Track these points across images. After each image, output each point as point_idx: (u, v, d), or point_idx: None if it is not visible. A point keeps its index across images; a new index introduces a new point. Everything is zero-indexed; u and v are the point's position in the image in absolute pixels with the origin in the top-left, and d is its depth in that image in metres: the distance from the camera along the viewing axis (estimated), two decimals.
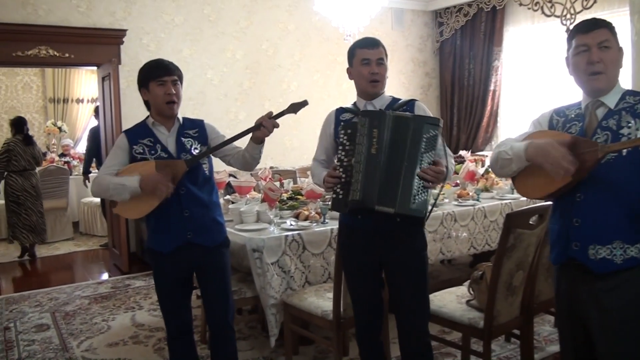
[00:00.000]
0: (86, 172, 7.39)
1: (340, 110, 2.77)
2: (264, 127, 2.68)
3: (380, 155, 2.43)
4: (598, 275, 2.05)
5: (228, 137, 2.83)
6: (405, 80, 8.55)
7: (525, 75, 7.66)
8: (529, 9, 7.22)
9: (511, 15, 7.82)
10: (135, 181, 2.62)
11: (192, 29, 6.82)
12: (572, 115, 2.16)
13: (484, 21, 8.05)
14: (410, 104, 2.70)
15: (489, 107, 8.04)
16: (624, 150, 1.97)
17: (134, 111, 5.96)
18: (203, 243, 2.76)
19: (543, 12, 7.03)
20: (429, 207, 2.47)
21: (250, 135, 2.76)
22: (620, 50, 2.09)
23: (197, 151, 2.77)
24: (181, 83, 2.78)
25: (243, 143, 2.76)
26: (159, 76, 2.69)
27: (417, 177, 2.40)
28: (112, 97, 5.96)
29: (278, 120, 2.75)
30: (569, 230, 2.11)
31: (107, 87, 6.16)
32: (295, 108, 2.73)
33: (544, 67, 7.27)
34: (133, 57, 6.36)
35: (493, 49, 7.95)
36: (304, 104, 2.72)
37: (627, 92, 2.08)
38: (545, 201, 2.53)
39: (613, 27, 2.09)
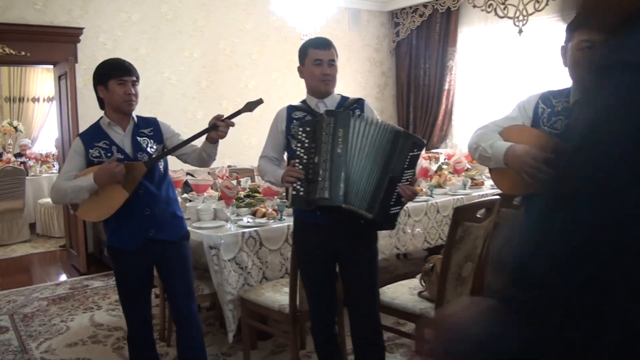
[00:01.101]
0: None
1: (292, 108, 2.84)
2: (219, 128, 2.76)
3: (347, 155, 2.51)
4: None
5: (183, 135, 2.91)
6: (362, 79, 8.67)
7: (478, 74, 7.86)
8: (482, 10, 7.42)
9: (465, 17, 8.01)
10: (89, 179, 2.69)
11: (150, 27, 6.80)
12: (559, 108, 2.14)
13: (439, 22, 8.22)
14: (359, 102, 2.81)
15: (443, 106, 8.22)
16: None
17: (91, 110, 5.89)
18: (165, 238, 2.86)
19: (496, 14, 7.23)
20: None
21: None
22: None
23: (152, 149, 2.85)
24: (138, 83, 2.85)
25: (199, 141, 2.84)
26: (120, 76, 2.75)
27: (396, 191, 2.52)
28: (69, 95, 5.89)
29: (236, 119, 2.83)
30: None
31: (64, 86, 6.09)
32: (250, 106, 2.81)
33: (497, 67, 7.48)
34: (90, 56, 6.31)
35: (447, 49, 8.13)
36: (259, 102, 2.80)
37: None
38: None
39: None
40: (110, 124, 2.82)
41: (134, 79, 2.80)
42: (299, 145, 2.61)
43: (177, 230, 2.93)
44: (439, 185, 4.97)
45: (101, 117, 2.87)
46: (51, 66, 6.51)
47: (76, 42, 6.23)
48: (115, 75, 2.75)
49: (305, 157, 2.58)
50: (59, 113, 6.44)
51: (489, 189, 4.99)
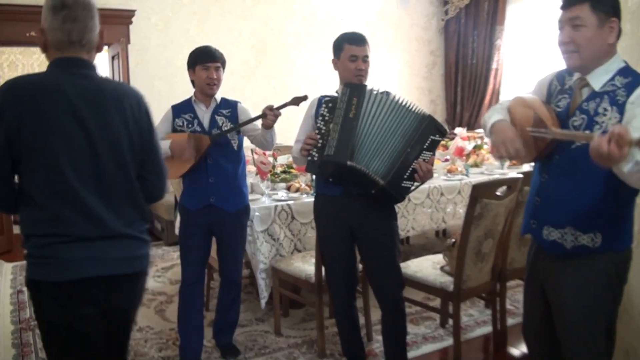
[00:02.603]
0: None
1: (324, 97, 2.96)
2: (267, 117, 3.10)
3: (360, 120, 2.66)
4: (552, 256, 2.13)
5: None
6: (409, 59, 8.67)
7: (526, 53, 7.75)
8: None
9: None
10: (166, 145, 3.06)
11: (199, 8, 7.01)
12: (567, 86, 2.11)
13: (487, 0, 8.14)
14: (385, 93, 2.89)
15: (491, 86, 8.17)
16: None
17: (144, 90, 6.09)
18: (223, 207, 3.23)
19: None
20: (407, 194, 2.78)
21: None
22: (603, 26, 1.93)
23: (226, 128, 3.22)
24: (223, 68, 3.24)
25: None
26: (204, 61, 3.15)
27: (412, 167, 2.66)
28: (121, 76, 6.18)
29: (277, 98, 3.09)
30: (532, 208, 2.19)
31: (117, 67, 6.39)
32: (296, 101, 3.16)
33: (545, 44, 7.36)
34: (142, 37, 6.57)
35: (496, 28, 8.05)
36: (304, 98, 3.16)
37: (621, 72, 1.97)
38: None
39: (598, 1, 1.92)
40: (196, 101, 3.25)
41: (218, 64, 3.18)
42: (320, 118, 2.78)
43: (235, 203, 3.27)
44: (476, 165, 5.00)
45: (192, 94, 3.28)
46: (105, 47, 6.80)
47: (128, 23, 6.49)
48: (200, 61, 3.15)
49: (323, 128, 2.75)
50: None
51: (527, 168, 4.98)
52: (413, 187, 2.74)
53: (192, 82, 3.27)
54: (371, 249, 2.91)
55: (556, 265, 2.13)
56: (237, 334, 3.65)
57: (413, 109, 2.70)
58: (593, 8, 1.92)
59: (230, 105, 3.31)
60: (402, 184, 2.68)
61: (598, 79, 1.99)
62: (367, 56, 2.86)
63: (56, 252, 1.80)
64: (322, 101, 2.92)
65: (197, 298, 3.35)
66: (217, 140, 3.16)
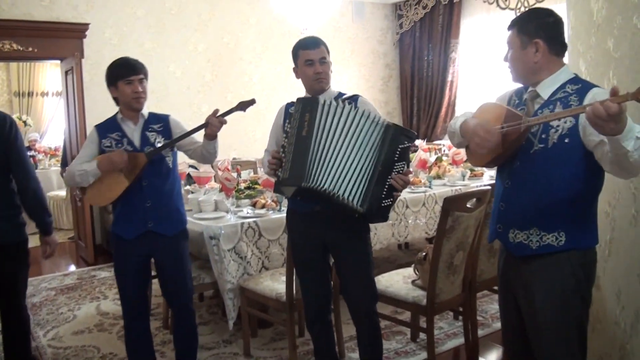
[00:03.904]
0: (64, 165, 7.39)
1: (290, 104, 2.89)
2: (211, 125, 2.88)
3: (312, 137, 2.51)
4: (521, 259, 2.19)
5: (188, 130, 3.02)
6: (365, 72, 8.72)
7: (481, 65, 7.89)
8: (484, 1, 7.43)
9: (467, 8, 8.05)
10: (93, 164, 2.88)
11: (154, 22, 6.89)
12: (523, 99, 2.24)
13: (441, 13, 8.27)
14: (353, 98, 2.84)
15: (447, 98, 8.28)
16: (550, 143, 2.05)
17: (98, 104, 6.04)
18: (163, 232, 2.97)
19: (498, 5, 7.24)
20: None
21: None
22: (527, 46, 2.13)
23: (159, 144, 2.97)
24: (147, 79, 2.98)
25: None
26: (126, 75, 2.89)
27: (387, 183, 2.54)
28: (76, 90, 6.02)
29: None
30: (497, 213, 2.27)
31: (71, 81, 6.21)
32: (243, 106, 2.96)
33: (499, 57, 7.48)
34: (96, 51, 6.42)
35: (450, 41, 8.18)
36: (251, 102, 2.97)
37: (570, 81, 2.11)
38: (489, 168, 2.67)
39: (522, 25, 2.15)
40: (123, 119, 2.99)
41: (141, 76, 2.93)
42: (284, 135, 2.66)
43: (174, 225, 3.03)
44: (438, 177, 5.04)
45: (117, 112, 3.02)
46: (58, 61, 6.62)
47: (82, 37, 6.33)
48: (122, 76, 2.89)
49: (286, 145, 2.62)
50: (66, 107, 6.56)
51: (488, 180, 5.05)
52: (393, 204, 2.64)
53: (115, 99, 2.99)
54: (346, 263, 2.86)
55: (524, 269, 2.19)
56: (205, 357, 3.55)
57: (374, 120, 2.57)
58: (518, 32, 2.17)
59: (160, 120, 3.06)
60: (382, 204, 2.56)
61: (546, 89, 2.14)
62: (324, 58, 2.79)
63: None
64: (289, 111, 2.85)
65: (144, 333, 3.12)
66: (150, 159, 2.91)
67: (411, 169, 5.05)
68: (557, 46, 2.14)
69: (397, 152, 2.56)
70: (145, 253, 2.99)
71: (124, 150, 2.90)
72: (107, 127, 3.00)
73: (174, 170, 3.06)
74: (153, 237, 2.95)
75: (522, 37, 2.14)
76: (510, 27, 2.21)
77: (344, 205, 2.55)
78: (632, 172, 1.90)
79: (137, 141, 2.97)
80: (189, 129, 3.04)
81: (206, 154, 3.03)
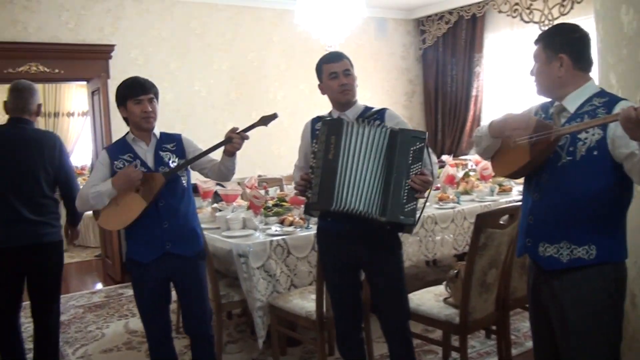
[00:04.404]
0: None
1: (316, 119, 2.90)
2: (233, 141, 2.82)
3: (339, 160, 2.53)
4: (551, 273, 2.17)
5: (201, 148, 2.97)
6: (389, 87, 8.71)
7: (505, 79, 7.84)
8: (507, 15, 7.42)
9: (491, 22, 8.01)
10: (107, 184, 2.79)
11: (179, 42, 6.96)
12: (549, 114, 2.25)
13: (464, 28, 8.24)
14: (380, 112, 2.83)
15: (471, 112, 8.22)
16: (578, 155, 2.05)
17: (124, 125, 6.03)
18: (181, 253, 2.90)
19: (522, 19, 7.23)
20: (417, 215, 2.58)
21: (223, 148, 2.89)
22: (552, 61, 2.15)
23: (174, 164, 2.91)
24: (157, 99, 2.91)
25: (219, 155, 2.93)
26: (135, 95, 2.81)
27: (406, 188, 2.51)
28: (102, 111, 6.09)
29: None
30: (526, 227, 2.25)
31: (97, 102, 6.30)
32: (265, 121, 2.87)
33: (524, 71, 7.41)
34: (122, 71, 6.47)
35: (474, 55, 8.14)
36: (273, 116, 2.86)
37: (597, 94, 2.13)
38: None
39: (548, 41, 2.18)
40: (135, 139, 2.90)
41: (151, 95, 2.85)
42: (312, 155, 2.68)
43: (193, 246, 2.96)
44: (466, 192, 4.98)
45: (127, 133, 2.96)
46: (85, 82, 6.71)
47: (108, 58, 6.42)
48: (131, 95, 2.82)
49: (315, 166, 2.63)
50: (92, 128, 6.65)
51: (516, 195, 4.98)
52: (419, 205, 2.60)
53: (125, 119, 2.92)
54: (379, 280, 2.82)
55: (555, 284, 2.17)
56: None
57: (382, 130, 2.56)
58: (543, 47, 2.20)
59: (173, 139, 3.00)
60: (406, 209, 2.52)
61: (572, 103, 2.15)
62: (348, 70, 2.79)
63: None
64: (315, 128, 2.85)
65: (170, 355, 3.06)
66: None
67: (439, 185, 5.05)
68: (583, 61, 2.16)
69: (410, 155, 2.54)
70: (164, 276, 2.92)
71: (135, 165, 2.83)
72: (118, 149, 2.92)
73: (188, 190, 3.00)
74: (171, 259, 2.88)
75: (547, 52, 2.17)
76: (536, 42, 2.24)
77: (371, 221, 2.54)
78: None
79: (150, 162, 2.89)
80: (206, 147, 2.98)
81: (225, 171, 2.96)
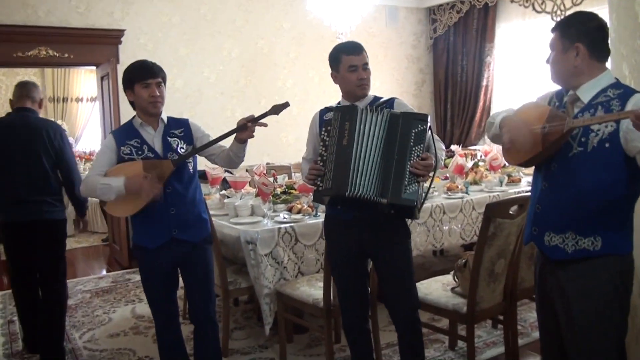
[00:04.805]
0: None
1: (325, 110, 2.89)
2: (249, 129, 2.79)
3: (354, 146, 2.54)
4: (556, 263, 2.17)
5: (215, 135, 2.93)
6: (399, 76, 8.66)
7: (516, 70, 7.77)
8: (520, 5, 7.34)
9: (503, 12, 7.94)
10: (120, 182, 2.72)
11: (189, 28, 6.94)
12: (563, 102, 2.23)
13: (476, 18, 8.17)
14: (389, 101, 2.82)
15: (481, 102, 8.17)
16: (590, 147, 2.04)
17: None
18: (188, 239, 2.88)
19: (534, 9, 7.14)
20: (421, 198, 2.59)
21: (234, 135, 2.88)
22: (568, 50, 2.12)
23: (182, 150, 2.87)
24: (165, 83, 2.87)
25: (227, 142, 2.90)
26: (143, 79, 2.77)
27: (407, 169, 2.50)
28: (111, 96, 6.09)
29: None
30: (533, 215, 2.25)
31: (106, 87, 6.29)
32: (277, 109, 2.81)
33: (535, 62, 7.38)
34: (131, 57, 6.39)
35: (485, 45, 8.07)
36: (285, 105, 2.82)
37: (612, 85, 2.10)
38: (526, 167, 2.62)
39: (565, 29, 2.14)
40: (142, 124, 2.86)
41: (159, 80, 2.80)
42: (321, 144, 2.67)
43: (200, 232, 2.94)
44: (475, 182, 4.95)
45: (133, 117, 2.92)
46: (94, 67, 6.71)
47: (118, 43, 6.40)
48: (139, 79, 2.77)
49: (325, 154, 2.63)
50: (101, 113, 6.65)
51: (525, 186, 4.96)
52: (423, 188, 2.60)
53: (132, 103, 2.88)
54: (387, 269, 2.82)
55: (560, 274, 2.17)
56: None
57: (385, 114, 2.57)
58: (560, 35, 2.16)
59: (181, 124, 2.95)
60: (407, 190, 2.51)
61: (586, 93, 2.12)
62: (366, 64, 2.77)
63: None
64: (324, 118, 2.85)
65: (175, 341, 3.04)
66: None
67: (447, 174, 5.03)
68: (599, 51, 2.13)
69: (412, 138, 2.53)
70: (170, 262, 2.90)
71: (156, 181, 2.72)
72: (125, 134, 2.86)
73: (195, 176, 2.97)
74: (178, 244, 2.86)
75: (563, 41, 2.14)
76: (553, 30, 2.20)
77: (375, 204, 2.54)
78: None
79: (158, 147, 2.85)
80: (214, 133, 2.96)
81: (234, 158, 2.94)
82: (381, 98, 2.86)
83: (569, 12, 6.56)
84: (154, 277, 2.92)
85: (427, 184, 2.67)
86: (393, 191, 2.51)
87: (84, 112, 11.16)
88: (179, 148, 2.87)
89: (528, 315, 4.22)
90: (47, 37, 6.04)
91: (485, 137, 8.24)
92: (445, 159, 5.32)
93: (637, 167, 1.96)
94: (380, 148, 2.56)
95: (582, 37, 2.09)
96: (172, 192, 2.83)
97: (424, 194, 2.67)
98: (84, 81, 10.98)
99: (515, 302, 3.41)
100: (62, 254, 3.75)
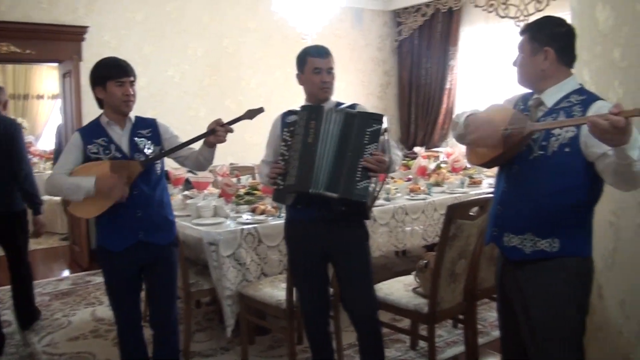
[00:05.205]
0: None
1: (287, 113, 2.90)
2: (217, 133, 2.74)
3: (318, 144, 2.58)
4: (516, 264, 2.21)
5: (185, 133, 2.91)
6: (364, 78, 8.70)
7: (479, 73, 7.88)
8: (483, 10, 7.44)
9: (467, 16, 8.04)
10: (90, 182, 2.66)
11: (154, 26, 6.86)
12: (528, 105, 2.25)
13: (440, 21, 8.25)
14: (351, 107, 2.84)
15: (444, 105, 8.25)
16: (550, 151, 2.07)
17: (95, 108, 5.96)
18: (154, 242, 2.83)
19: (497, 14, 7.25)
20: (372, 197, 2.62)
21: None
22: (537, 53, 2.14)
23: (149, 151, 2.82)
24: (135, 82, 2.83)
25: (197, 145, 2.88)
26: (118, 77, 2.72)
27: (360, 166, 2.54)
28: (73, 94, 5.97)
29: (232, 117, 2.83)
30: (494, 216, 2.29)
31: (68, 84, 6.18)
32: (251, 114, 2.78)
33: (498, 66, 7.50)
34: (95, 54, 6.31)
35: (449, 49, 8.16)
36: (260, 110, 2.79)
37: (576, 91, 2.13)
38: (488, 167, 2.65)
39: (534, 32, 2.15)
40: (109, 122, 2.79)
41: (132, 79, 2.77)
42: (283, 143, 2.70)
43: (166, 235, 2.90)
44: (437, 184, 5.02)
45: (100, 115, 2.85)
46: (56, 64, 6.58)
47: (81, 40, 6.28)
48: (114, 77, 2.71)
49: (286, 153, 2.66)
50: (63, 110, 6.53)
51: (486, 188, 5.03)
52: (374, 185, 2.63)
53: (99, 100, 2.80)
54: (346, 271, 2.84)
55: (519, 275, 2.21)
56: None
57: (343, 113, 2.63)
58: (529, 38, 2.17)
59: (148, 124, 2.89)
60: (358, 186, 2.54)
61: (550, 98, 2.15)
62: (331, 68, 2.80)
63: None
64: (286, 121, 2.85)
65: (137, 346, 2.98)
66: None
67: (411, 176, 5.08)
68: (567, 56, 2.16)
69: (367, 136, 2.58)
70: (135, 265, 2.84)
71: (125, 183, 2.67)
72: (92, 132, 2.79)
73: (162, 178, 2.92)
74: (144, 247, 2.80)
75: (533, 44, 2.15)
76: (522, 32, 2.22)
77: (321, 196, 2.57)
78: (634, 185, 1.92)
79: (125, 147, 2.79)
80: (179, 133, 2.93)
81: (203, 162, 2.90)
82: (342, 104, 2.87)
83: (532, 18, 6.69)
84: (118, 281, 2.86)
85: (377, 186, 2.70)
86: (345, 186, 2.55)
87: (44, 110, 10.94)
88: (146, 148, 2.81)
89: (488, 314, 4.29)
90: (9, 33, 5.87)
91: (448, 139, 8.34)
92: (408, 161, 5.38)
93: (595, 173, 2.00)
94: (336, 145, 2.61)
95: (551, 41, 2.12)
96: (139, 194, 2.76)
97: (375, 193, 2.70)
98: (45, 78, 10.76)
99: (475, 302, 3.47)
100: (27, 238, 4.30)
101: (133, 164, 2.73)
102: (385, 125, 2.63)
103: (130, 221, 2.76)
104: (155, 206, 2.83)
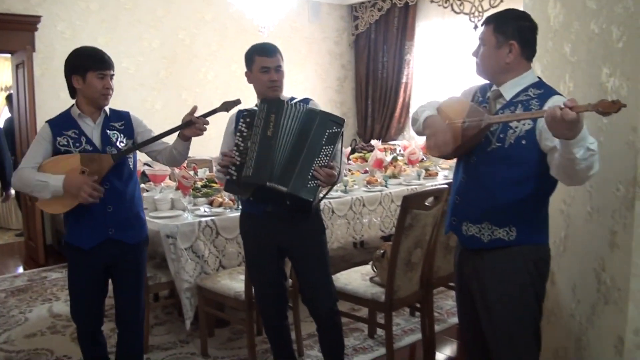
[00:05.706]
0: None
1: (241, 112, 2.83)
2: (195, 125, 2.68)
3: (277, 138, 2.58)
4: (474, 252, 2.26)
5: (150, 128, 2.85)
6: (322, 72, 8.75)
7: (435, 68, 8.02)
8: (439, 5, 7.57)
9: (423, 11, 8.17)
10: (59, 181, 2.57)
11: (108, 16, 6.75)
12: (486, 97, 2.28)
13: (397, 16, 8.36)
14: (304, 101, 2.84)
15: (401, 99, 8.37)
16: (507, 143, 2.11)
17: (49, 100, 5.92)
18: (124, 240, 2.75)
19: (453, 10, 7.39)
20: (317, 198, 2.65)
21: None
22: (502, 46, 2.14)
23: (122, 144, 2.73)
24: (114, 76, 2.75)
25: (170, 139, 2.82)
26: (100, 69, 2.63)
27: (313, 167, 2.56)
28: (27, 85, 5.82)
29: (197, 112, 2.76)
30: (452, 206, 2.34)
31: (21, 76, 6.02)
32: (227, 106, 2.72)
33: (454, 61, 7.64)
34: (48, 45, 6.25)
35: (405, 43, 8.28)
36: (236, 102, 2.74)
37: (534, 85, 2.16)
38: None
39: (500, 25, 2.14)
40: (81, 114, 2.69)
41: (113, 72, 2.69)
42: (238, 134, 2.67)
43: (137, 233, 2.82)
44: (394, 176, 5.09)
45: (72, 106, 2.73)
46: (8, 55, 6.42)
47: (34, 30, 6.13)
48: (96, 68, 2.62)
49: (242, 144, 2.63)
50: (16, 102, 6.37)
51: (442, 179, 5.14)
52: (322, 187, 2.64)
53: (73, 89, 2.69)
54: (303, 265, 2.87)
55: (477, 263, 2.25)
56: (161, 358, 3.50)
57: (305, 109, 2.64)
58: (495, 30, 2.16)
59: (122, 117, 2.79)
60: (308, 185, 2.56)
61: (509, 90, 2.18)
62: (279, 66, 2.76)
63: None
64: (240, 117, 2.81)
65: (98, 349, 2.90)
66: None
67: (368, 168, 5.14)
68: (530, 50, 2.18)
69: (325, 136, 2.60)
70: (104, 263, 2.74)
71: (94, 181, 2.57)
72: (62, 124, 2.67)
73: (134, 173, 2.82)
74: (113, 245, 2.70)
75: (498, 37, 2.15)
76: (486, 24, 2.20)
77: (274, 189, 2.56)
78: (575, 181, 1.96)
79: (97, 140, 2.68)
80: (152, 130, 2.86)
81: (177, 156, 2.82)
82: (295, 98, 2.87)
83: (486, 14, 6.83)
84: (85, 280, 2.76)
85: (325, 190, 2.73)
86: (294, 182, 2.55)
87: None
88: (118, 142, 2.72)
89: (444, 302, 4.39)
90: None
91: (405, 132, 8.46)
92: (365, 154, 5.44)
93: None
94: (294, 140, 2.61)
95: (517, 35, 2.13)
96: (110, 189, 2.66)
97: (320, 196, 2.73)
98: None
99: (431, 290, 3.54)
100: None
101: (104, 157, 2.64)
102: (343, 130, 2.66)
103: (100, 217, 2.67)
104: (127, 201, 2.75)
